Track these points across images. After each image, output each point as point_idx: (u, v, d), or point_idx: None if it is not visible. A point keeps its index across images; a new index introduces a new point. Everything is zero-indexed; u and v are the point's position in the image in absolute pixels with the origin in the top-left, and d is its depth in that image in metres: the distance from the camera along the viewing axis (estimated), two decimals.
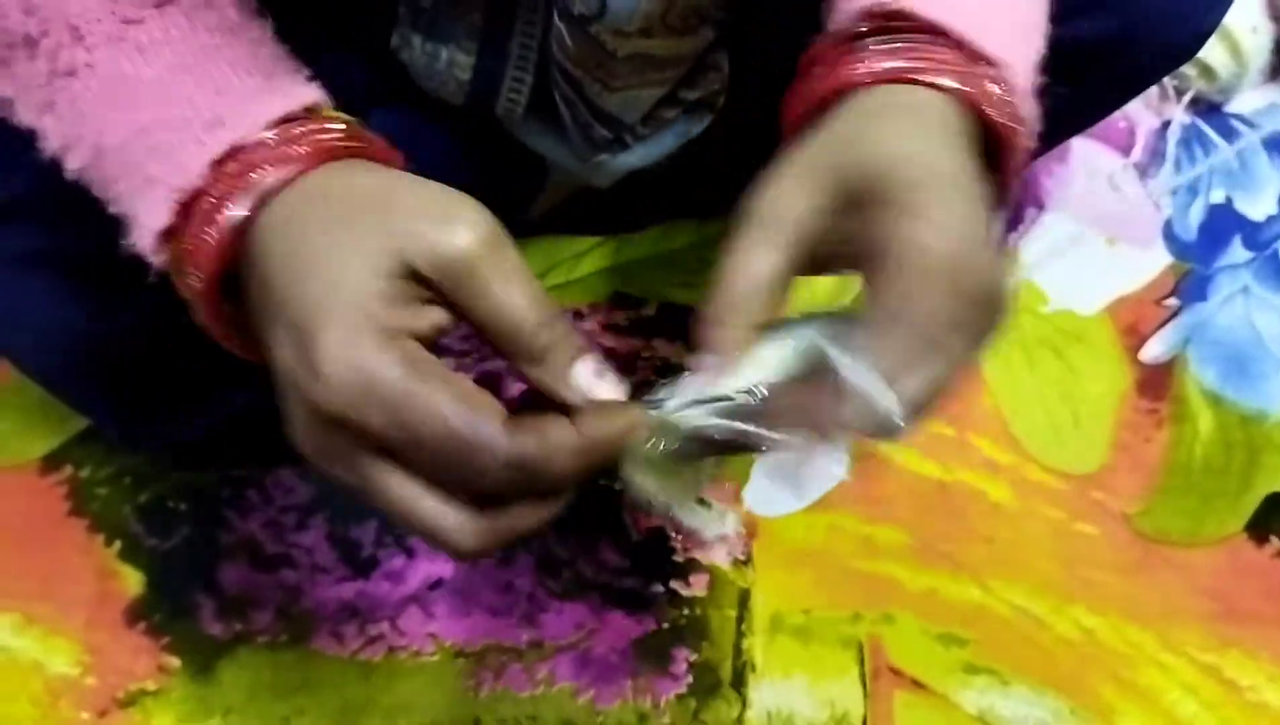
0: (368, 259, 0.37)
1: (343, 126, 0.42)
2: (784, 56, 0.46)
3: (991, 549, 0.81)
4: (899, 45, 0.43)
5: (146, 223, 0.40)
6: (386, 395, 0.36)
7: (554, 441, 0.37)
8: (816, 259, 0.42)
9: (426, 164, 0.43)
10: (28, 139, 0.44)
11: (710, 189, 0.83)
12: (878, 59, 0.43)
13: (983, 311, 0.40)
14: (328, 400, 0.36)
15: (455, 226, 0.38)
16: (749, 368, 0.41)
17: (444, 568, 0.78)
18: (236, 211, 0.39)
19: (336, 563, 0.78)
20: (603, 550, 0.79)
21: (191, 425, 0.66)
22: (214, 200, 0.40)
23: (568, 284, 0.89)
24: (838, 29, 0.45)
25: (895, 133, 0.41)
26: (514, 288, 0.38)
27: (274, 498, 0.80)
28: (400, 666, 0.75)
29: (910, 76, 0.42)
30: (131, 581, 0.77)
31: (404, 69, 0.60)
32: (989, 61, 0.43)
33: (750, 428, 0.39)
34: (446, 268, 0.37)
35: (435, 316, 0.39)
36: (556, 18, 0.54)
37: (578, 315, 0.87)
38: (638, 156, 0.65)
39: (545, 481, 0.38)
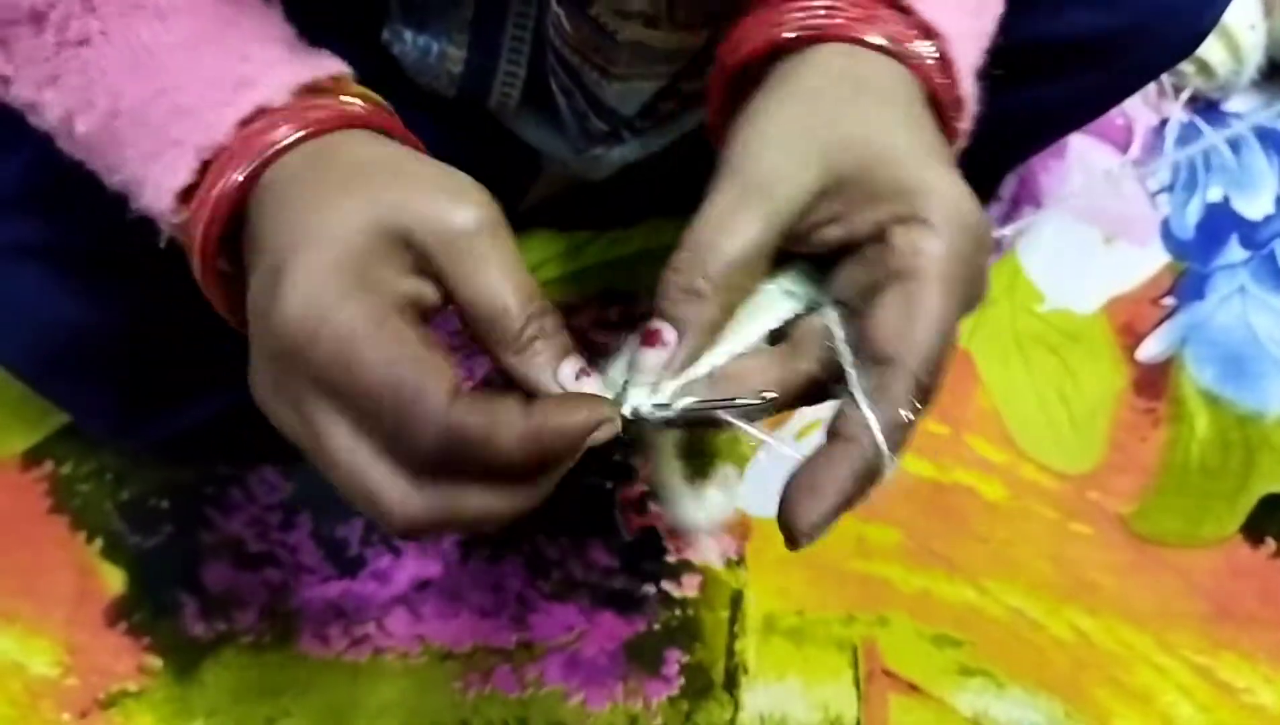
0: (359, 215, 0.37)
1: (366, 100, 0.42)
2: None
3: (986, 549, 0.80)
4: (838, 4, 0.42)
5: (165, 183, 0.40)
6: (337, 335, 0.35)
7: (498, 419, 0.35)
8: (790, 236, 0.40)
9: None
10: (16, 133, 0.44)
11: (705, 183, 0.82)
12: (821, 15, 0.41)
13: (974, 303, 0.40)
14: (282, 327, 0.36)
15: (462, 203, 0.38)
16: (727, 341, 0.39)
17: (432, 568, 0.77)
18: (248, 168, 0.39)
19: (322, 562, 0.77)
20: (593, 550, 0.78)
21: (177, 421, 0.65)
22: (232, 157, 0.39)
23: (559, 279, 0.88)
24: None
25: (879, 119, 0.40)
26: (509, 273, 0.37)
27: (257, 496, 0.79)
28: (387, 668, 0.74)
29: (848, 34, 0.41)
30: (113, 580, 0.76)
31: (395, 62, 0.60)
32: (929, 31, 0.42)
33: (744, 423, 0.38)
34: (446, 239, 0.37)
35: (414, 287, 0.38)
36: (555, 2, 0.53)
37: (569, 311, 0.86)
38: (633, 149, 0.64)
39: (486, 460, 0.35)
